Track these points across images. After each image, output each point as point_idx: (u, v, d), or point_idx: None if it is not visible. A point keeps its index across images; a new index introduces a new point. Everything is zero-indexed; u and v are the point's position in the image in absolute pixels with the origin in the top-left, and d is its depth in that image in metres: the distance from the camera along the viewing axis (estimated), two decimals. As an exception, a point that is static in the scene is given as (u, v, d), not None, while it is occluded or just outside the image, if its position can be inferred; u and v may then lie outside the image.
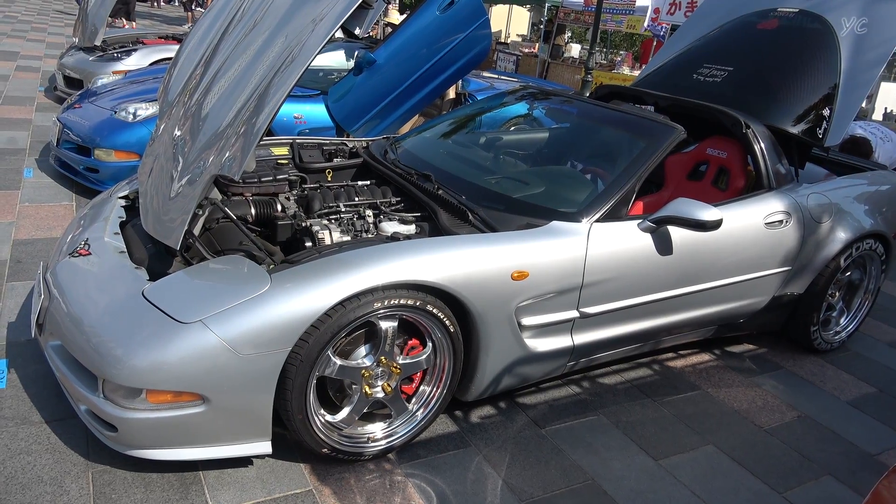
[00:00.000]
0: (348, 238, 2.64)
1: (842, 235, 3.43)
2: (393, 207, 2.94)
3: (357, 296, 2.15)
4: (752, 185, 3.45)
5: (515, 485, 2.38)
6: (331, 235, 2.60)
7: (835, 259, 3.42)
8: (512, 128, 3.80)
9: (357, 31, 8.27)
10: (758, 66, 3.81)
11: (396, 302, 2.23)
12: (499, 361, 2.56)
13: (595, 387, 3.08)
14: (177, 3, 27.07)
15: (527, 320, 2.56)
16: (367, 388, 2.33)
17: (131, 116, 4.57)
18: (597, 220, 2.70)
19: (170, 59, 7.14)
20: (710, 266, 3.01)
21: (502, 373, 2.61)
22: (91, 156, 4.54)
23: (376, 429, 2.43)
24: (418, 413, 2.49)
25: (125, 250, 2.54)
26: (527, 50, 15.24)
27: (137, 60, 6.95)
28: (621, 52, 14.53)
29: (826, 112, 3.53)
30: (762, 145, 3.34)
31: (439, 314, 2.34)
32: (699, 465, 2.62)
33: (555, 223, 2.64)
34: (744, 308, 3.30)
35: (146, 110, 4.58)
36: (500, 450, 2.56)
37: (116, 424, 2.06)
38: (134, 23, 12.82)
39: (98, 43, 7.05)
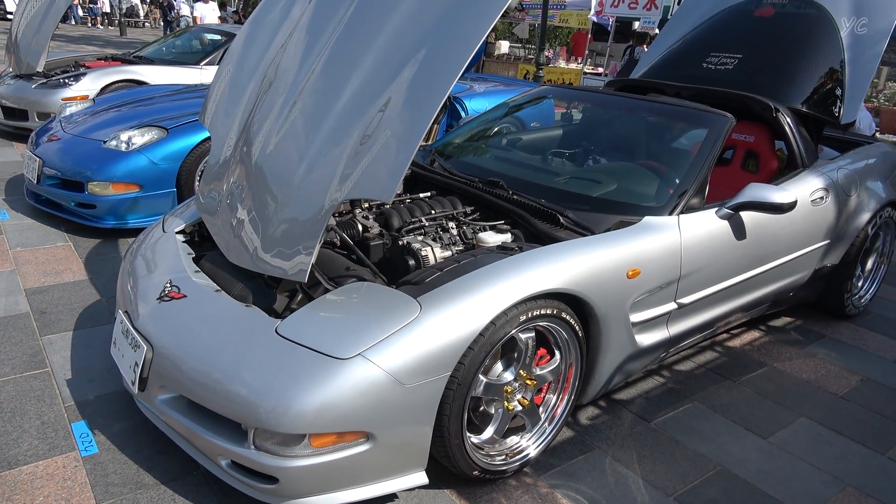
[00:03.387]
0: (449, 253, 2.57)
1: (868, 206, 3.65)
2: (471, 217, 2.89)
3: (505, 311, 2.10)
4: (784, 166, 3.61)
5: (656, 481, 2.40)
6: (433, 252, 2.53)
7: (864, 229, 3.64)
8: (552, 128, 3.82)
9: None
10: (766, 51, 3.99)
11: (536, 313, 2.20)
12: (614, 361, 2.57)
13: (676, 375, 3.14)
14: (147, 24, 26.04)
15: (634, 317, 2.57)
16: (508, 404, 2.29)
17: (125, 145, 4.27)
18: (681, 212, 2.76)
19: (126, 81, 6.74)
20: (773, 246, 3.14)
21: (615, 372, 2.63)
22: (84, 191, 4.21)
23: (513, 444, 2.39)
24: (549, 423, 2.47)
25: (219, 288, 2.38)
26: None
27: (89, 84, 6.51)
28: (556, 47, 14.87)
29: (838, 91, 3.74)
30: (792, 127, 3.50)
31: (570, 320, 2.33)
32: (803, 438, 2.73)
33: (648, 219, 2.67)
34: (793, 283, 3.45)
35: (142, 137, 4.29)
36: (623, 448, 2.57)
37: (277, 475, 1.93)
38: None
39: (40, 69, 6.54)
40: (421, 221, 2.78)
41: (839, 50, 3.80)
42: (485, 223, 2.79)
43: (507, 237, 2.63)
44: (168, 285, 2.40)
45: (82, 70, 6.82)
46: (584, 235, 2.55)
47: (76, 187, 4.26)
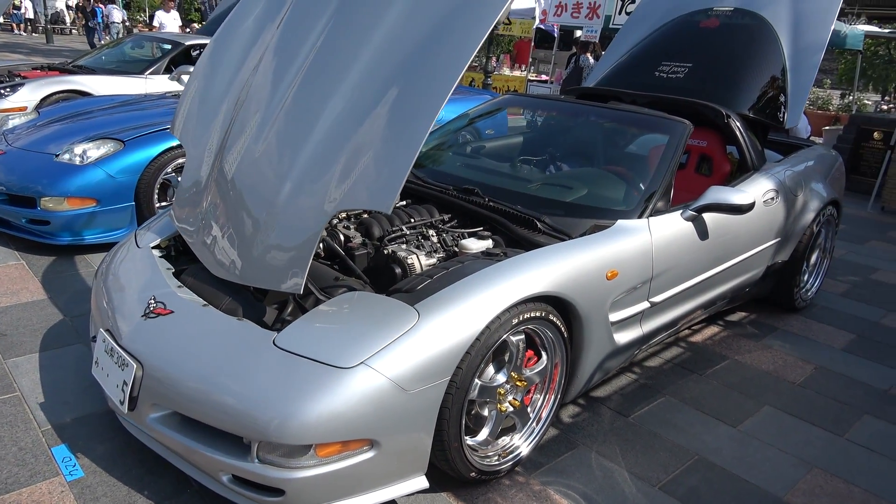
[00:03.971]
0: (434, 261, 2.62)
1: (812, 205, 3.90)
2: (450, 224, 2.95)
3: (499, 315, 2.17)
4: (735, 169, 3.82)
5: (640, 473, 2.51)
6: (419, 260, 2.57)
7: (810, 226, 3.88)
8: (519, 135, 3.91)
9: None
10: (714, 60, 4.20)
11: (527, 315, 2.27)
12: (595, 359, 2.67)
13: (646, 371, 3.27)
14: (75, 31, 24.94)
15: (613, 316, 2.68)
16: (500, 406, 2.35)
17: (79, 159, 4.13)
18: (650, 215, 2.89)
19: (66, 91, 6.50)
20: (733, 245, 3.32)
21: (596, 370, 2.73)
22: (37, 206, 4.05)
23: (505, 444, 2.45)
24: (537, 422, 2.54)
25: (206, 303, 2.35)
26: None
27: (28, 95, 6.24)
28: (500, 55, 15.12)
29: (781, 98, 3.98)
30: (743, 132, 3.71)
31: (557, 321, 2.41)
32: (769, 425, 2.90)
33: (620, 222, 2.79)
34: (749, 279, 3.65)
35: (97, 150, 4.16)
36: (606, 444, 2.67)
37: (283, 487, 1.93)
38: None
39: (-27, 80, 6.25)
40: (402, 230, 2.81)
41: (781, 59, 4.04)
42: (464, 230, 2.85)
43: (489, 243, 2.70)
44: (152, 301, 2.35)
45: (18, 80, 6.54)
46: (562, 240, 2.64)
47: (27, 203, 4.10)
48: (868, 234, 6.22)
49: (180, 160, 4.37)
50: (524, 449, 2.47)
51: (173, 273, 2.60)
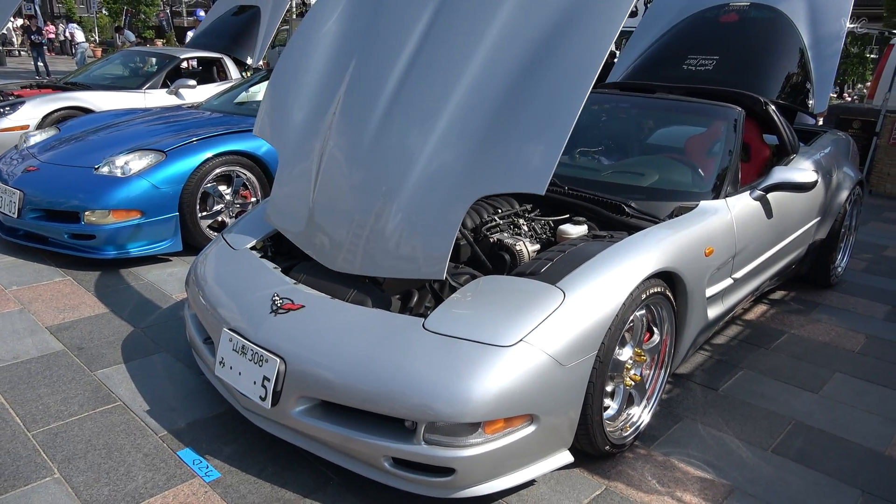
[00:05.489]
0: (538, 247, 2.69)
1: (845, 184, 4.11)
2: (534, 213, 3.02)
3: (632, 292, 2.25)
4: (773, 154, 4.00)
5: (749, 439, 2.62)
6: (526, 247, 2.64)
7: (843, 205, 4.09)
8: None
9: (249, 61, 7.95)
10: (739, 52, 4.39)
11: (651, 291, 2.36)
12: (692, 334, 2.78)
13: (718, 348, 3.40)
14: (21, 53, 24.09)
15: (707, 292, 2.79)
16: (626, 380, 2.43)
17: (120, 171, 4.06)
18: (726, 196, 3.02)
19: (68, 108, 6.35)
20: (790, 222, 3.48)
21: (692, 344, 2.83)
22: (80, 221, 3.96)
23: (627, 417, 2.53)
24: (652, 394, 2.62)
25: (331, 297, 2.37)
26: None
27: (30, 114, 6.09)
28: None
29: (808, 85, 4.19)
30: (780, 118, 3.89)
31: (671, 297, 2.51)
32: (846, 389, 3.05)
33: (703, 203, 2.91)
34: (797, 257, 3.83)
35: (140, 161, 4.10)
36: (708, 415, 2.77)
37: (454, 465, 1.96)
38: None
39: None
40: (495, 220, 2.87)
41: (802, 48, 4.26)
42: (551, 218, 2.92)
43: (584, 228, 2.78)
44: (277, 298, 2.36)
45: (17, 99, 6.36)
46: (653, 222, 2.74)
47: (69, 218, 4.01)
48: (866, 216, 6.52)
49: (219, 169, 4.34)
50: (646, 418, 2.55)
51: (281, 271, 2.60)
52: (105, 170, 4.10)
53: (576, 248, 2.44)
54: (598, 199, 2.89)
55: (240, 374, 2.28)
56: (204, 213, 4.36)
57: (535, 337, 2.02)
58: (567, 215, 2.95)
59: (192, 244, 4.27)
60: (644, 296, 2.31)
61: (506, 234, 2.73)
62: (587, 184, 3.09)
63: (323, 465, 2.33)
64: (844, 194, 4.07)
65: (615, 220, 2.78)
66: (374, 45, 2.66)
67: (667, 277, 2.49)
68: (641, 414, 2.56)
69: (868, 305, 4.10)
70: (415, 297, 2.39)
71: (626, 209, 2.83)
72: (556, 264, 2.33)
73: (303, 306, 2.31)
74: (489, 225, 2.83)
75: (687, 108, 3.60)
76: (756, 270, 3.25)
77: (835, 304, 4.08)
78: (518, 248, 2.62)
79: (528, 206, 3.06)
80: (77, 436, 2.43)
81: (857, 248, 5.28)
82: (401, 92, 2.43)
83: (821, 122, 6.10)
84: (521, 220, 2.91)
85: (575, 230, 2.74)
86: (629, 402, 2.55)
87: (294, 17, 16.99)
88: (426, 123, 2.32)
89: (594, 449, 2.32)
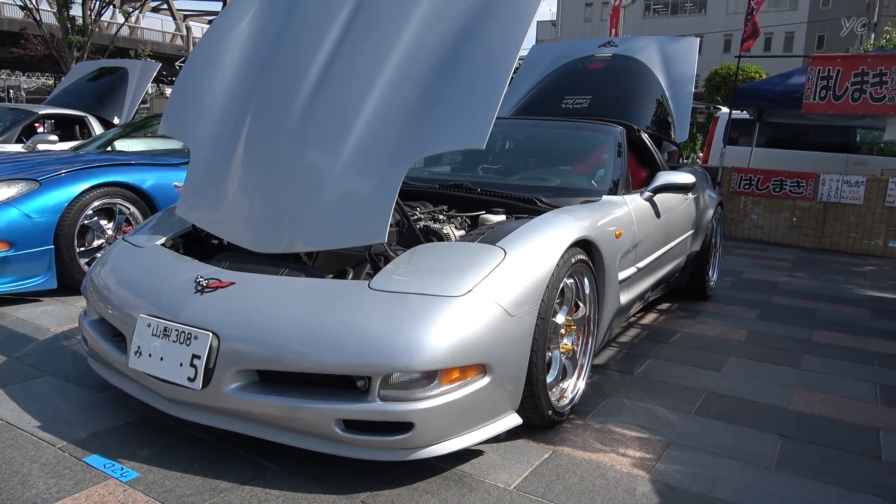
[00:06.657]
0: (463, 232, 2.74)
1: (711, 203, 4.59)
2: (448, 213, 3.08)
3: (562, 255, 2.34)
4: (650, 175, 4.40)
5: (672, 406, 2.74)
6: (452, 231, 2.68)
7: (711, 221, 4.55)
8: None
9: (116, 120, 7.61)
10: (608, 92, 4.87)
11: (577, 258, 2.47)
12: (609, 315, 2.91)
13: (624, 346, 3.57)
14: None
15: (619, 275, 2.97)
16: (561, 347, 2.48)
17: (-15, 200, 3.67)
18: (624, 194, 3.28)
19: None
20: (672, 228, 3.81)
21: (608, 327, 2.96)
22: (-65, 254, 3.50)
23: (564, 386, 2.56)
24: (583, 365, 2.68)
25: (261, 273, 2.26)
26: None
27: None
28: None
29: (669, 119, 4.72)
30: (652, 144, 4.33)
31: (591, 268, 2.63)
32: (743, 367, 3.30)
33: (606, 197, 3.13)
34: (678, 265, 4.17)
35: (9, 189, 3.72)
36: (630, 391, 2.88)
37: (413, 420, 1.88)
38: None
39: None
40: (416, 214, 2.91)
41: (661, 90, 4.82)
42: (468, 214, 3.00)
43: (503, 217, 2.89)
44: (201, 279, 2.20)
45: None
46: (565, 212, 2.90)
47: (-80, 252, 3.53)
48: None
49: (100, 201, 4.04)
50: (581, 386, 2.60)
51: (199, 261, 2.44)
52: (-33, 200, 3.69)
53: (501, 226, 2.53)
54: (511, 196, 3.02)
55: (161, 359, 2.07)
56: (83, 249, 4.01)
57: (483, 287, 2.04)
58: (483, 211, 3.04)
59: (69, 283, 3.88)
60: (573, 260, 2.42)
61: (431, 223, 2.77)
62: (498, 187, 3.23)
63: (259, 454, 2.14)
64: (711, 212, 4.54)
65: (530, 209, 2.91)
66: (301, 23, 2.68)
67: (587, 248, 2.62)
68: (576, 384, 2.60)
69: (742, 311, 4.51)
70: (350, 273, 2.33)
71: (539, 204, 2.97)
72: (489, 235, 2.39)
73: (233, 283, 2.18)
74: (413, 217, 2.85)
75: (580, 126, 3.92)
76: (652, 266, 3.49)
77: (714, 311, 4.45)
78: (445, 231, 2.66)
79: (444, 207, 3.13)
80: (-48, 453, 2.06)
81: (721, 274, 5.84)
82: (329, 70, 2.46)
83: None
84: (441, 216, 2.96)
85: (495, 217, 2.83)
86: (563, 374, 2.59)
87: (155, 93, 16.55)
88: (358, 96, 2.34)
89: (538, 414, 2.31)
